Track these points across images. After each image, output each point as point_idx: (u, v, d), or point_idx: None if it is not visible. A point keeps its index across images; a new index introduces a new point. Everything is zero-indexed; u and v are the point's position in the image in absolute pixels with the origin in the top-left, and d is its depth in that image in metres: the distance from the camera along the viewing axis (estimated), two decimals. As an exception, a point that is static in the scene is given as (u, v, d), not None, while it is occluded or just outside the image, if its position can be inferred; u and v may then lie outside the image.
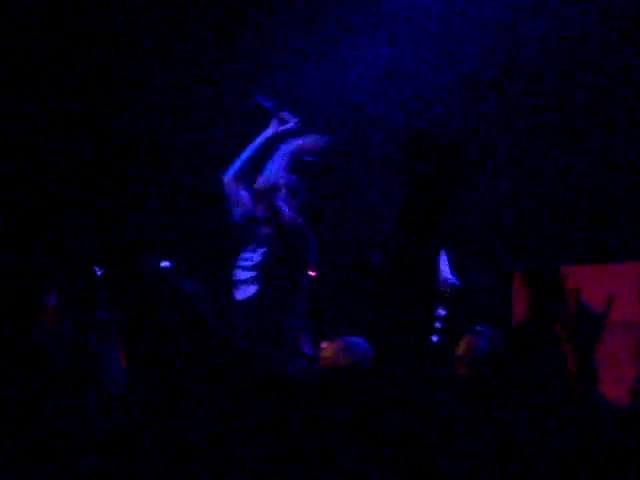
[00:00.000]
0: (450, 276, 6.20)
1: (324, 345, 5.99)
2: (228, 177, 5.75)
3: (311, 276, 5.78)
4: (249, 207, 5.71)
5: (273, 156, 5.70)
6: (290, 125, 5.82)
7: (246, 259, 5.62)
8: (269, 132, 5.81)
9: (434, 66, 7.48)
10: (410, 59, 7.57)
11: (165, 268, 6.00)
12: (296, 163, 5.71)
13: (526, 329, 2.84)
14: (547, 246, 7.47)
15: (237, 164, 5.76)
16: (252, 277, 5.55)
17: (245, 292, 5.55)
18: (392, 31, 7.62)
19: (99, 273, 4.52)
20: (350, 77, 7.63)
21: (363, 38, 7.65)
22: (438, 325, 6.26)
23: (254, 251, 5.60)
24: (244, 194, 5.74)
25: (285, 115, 5.85)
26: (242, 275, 5.60)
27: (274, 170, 5.63)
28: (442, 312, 6.39)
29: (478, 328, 5.63)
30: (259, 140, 5.80)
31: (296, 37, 7.62)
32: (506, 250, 7.56)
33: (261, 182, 5.65)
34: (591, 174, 7.46)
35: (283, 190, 5.63)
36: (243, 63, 7.59)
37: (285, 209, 5.57)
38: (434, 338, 6.18)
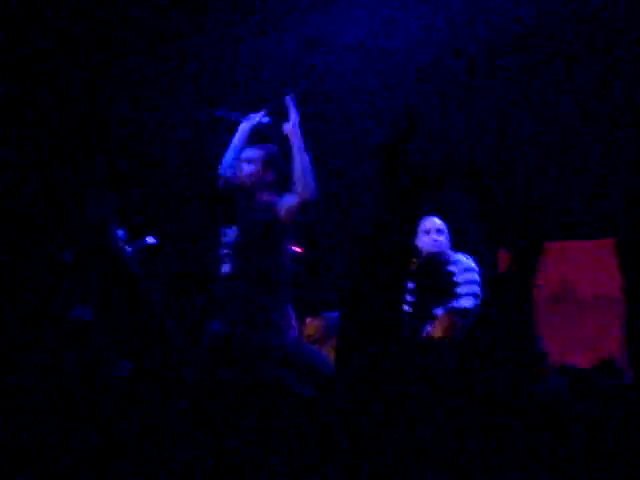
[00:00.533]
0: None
1: (307, 322, 6.02)
2: (222, 171, 5.77)
3: (296, 252, 5.76)
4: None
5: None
6: (261, 121, 5.84)
7: (225, 235, 5.66)
8: (247, 126, 5.82)
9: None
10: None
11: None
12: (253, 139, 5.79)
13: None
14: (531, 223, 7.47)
15: (226, 158, 5.78)
16: (228, 254, 5.58)
17: (224, 269, 5.58)
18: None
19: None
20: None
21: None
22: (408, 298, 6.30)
23: (232, 227, 5.64)
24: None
25: (249, 117, 5.86)
26: (222, 251, 5.64)
27: (229, 152, 5.74)
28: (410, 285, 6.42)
29: (461, 306, 5.66)
30: (239, 135, 5.81)
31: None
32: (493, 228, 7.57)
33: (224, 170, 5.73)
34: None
35: (249, 165, 5.66)
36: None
37: (261, 195, 5.61)
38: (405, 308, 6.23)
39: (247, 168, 5.66)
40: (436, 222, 6.46)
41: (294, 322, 5.52)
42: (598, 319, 6.94)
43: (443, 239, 6.48)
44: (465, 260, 6.43)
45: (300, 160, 5.48)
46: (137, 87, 7.74)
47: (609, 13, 7.24)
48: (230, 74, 7.73)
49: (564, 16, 7.34)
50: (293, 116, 5.62)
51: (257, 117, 5.83)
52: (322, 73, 7.69)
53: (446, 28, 7.47)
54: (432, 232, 6.41)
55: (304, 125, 5.68)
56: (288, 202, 5.48)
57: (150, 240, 7.07)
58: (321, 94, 7.60)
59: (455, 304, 6.15)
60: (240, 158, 5.68)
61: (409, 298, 6.26)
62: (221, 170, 5.75)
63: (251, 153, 5.70)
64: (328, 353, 5.40)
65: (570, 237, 7.31)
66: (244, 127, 5.82)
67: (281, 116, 5.75)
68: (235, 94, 7.40)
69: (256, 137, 5.85)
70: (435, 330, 5.88)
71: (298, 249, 6.26)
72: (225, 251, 5.62)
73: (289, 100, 5.67)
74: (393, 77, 7.54)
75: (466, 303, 6.13)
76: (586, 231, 7.28)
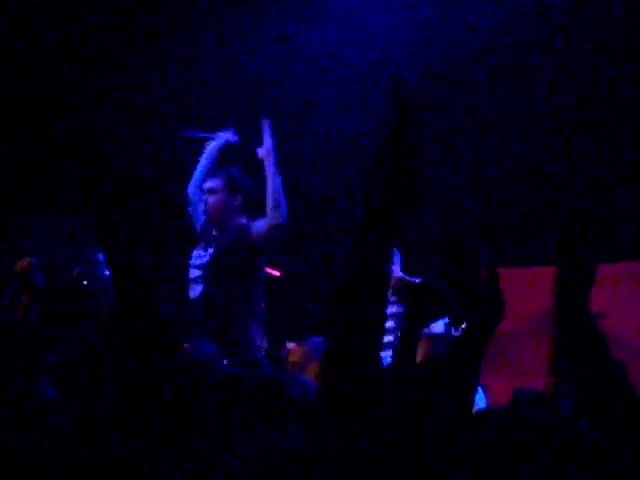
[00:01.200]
0: (400, 274, 6.22)
1: (291, 347, 5.93)
2: (190, 190, 5.85)
3: (274, 275, 5.73)
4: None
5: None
6: (230, 139, 5.86)
7: (197, 257, 5.63)
8: (215, 145, 5.84)
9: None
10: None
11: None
12: (220, 161, 5.81)
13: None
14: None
15: (194, 178, 5.84)
16: (200, 276, 5.56)
17: (195, 291, 5.56)
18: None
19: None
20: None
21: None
22: (393, 324, 6.24)
23: (205, 250, 5.62)
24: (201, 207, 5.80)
25: (218, 136, 5.87)
26: (192, 274, 5.61)
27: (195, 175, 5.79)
28: (396, 309, 6.35)
29: (435, 332, 5.58)
30: (207, 154, 5.84)
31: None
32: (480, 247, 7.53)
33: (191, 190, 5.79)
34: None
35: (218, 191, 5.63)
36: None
37: (231, 219, 5.59)
38: (389, 337, 6.17)
39: (211, 199, 5.64)
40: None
41: (263, 343, 5.49)
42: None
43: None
44: None
45: (272, 184, 5.46)
46: (110, 104, 7.68)
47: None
48: (202, 92, 7.67)
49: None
50: (267, 141, 5.56)
51: (225, 136, 5.84)
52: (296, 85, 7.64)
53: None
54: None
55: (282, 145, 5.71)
56: (258, 226, 5.48)
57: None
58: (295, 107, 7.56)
59: (429, 330, 6.16)
60: (203, 189, 5.69)
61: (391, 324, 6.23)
62: (188, 192, 5.79)
63: (212, 183, 5.68)
64: (310, 377, 5.34)
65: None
66: (212, 147, 5.83)
67: (253, 136, 5.74)
68: (204, 112, 7.37)
69: (224, 156, 5.84)
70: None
71: (276, 272, 6.19)
72: (196, 274, 5.58)
73: (264, 124, 5.61)
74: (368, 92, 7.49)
75: (438, 329, 6.14)
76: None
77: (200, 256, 5.60)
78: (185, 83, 7.68)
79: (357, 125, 7.39)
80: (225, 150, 5.84)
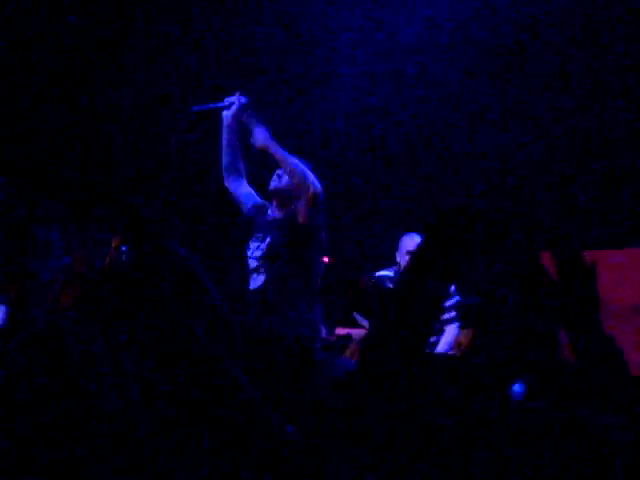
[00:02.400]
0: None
1: (341, 333, 6.08)
2: (225, 177, 5.72)
3: (325, 262, 5.76)
4: (253, 198, 5.71)
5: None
6: (240, 102, 5.62)
7: (256, 248, 5.57)
8: (226, 120, 5.64)
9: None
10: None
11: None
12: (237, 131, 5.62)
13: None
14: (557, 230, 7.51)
15: (222, 162, 5.70)
16: (261, 266, 5.51)
17: (255, 281, 5.51)
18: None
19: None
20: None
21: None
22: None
23: (263, 240, 5.56)
24: (244, 187, 5.72)
25: (227, 101, 5.65)
26: (252, 264, 5.56)
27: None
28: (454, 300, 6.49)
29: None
30: (224, 132, 5.65)
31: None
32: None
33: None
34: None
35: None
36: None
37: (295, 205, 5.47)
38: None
39: (277, 183, 5.53)
40: (416, 242, 6.58)
41: (324, 329, 5.59)
42: (624, 327, 6.99)
43: None
44: None
45: (288, 164, 5.38)
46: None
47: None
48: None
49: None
50: (258, 130, 5.47)
51: (234, 100, 5.62)
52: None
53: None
54: None
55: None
56: (299, 206, 5.38)
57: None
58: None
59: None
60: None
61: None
62: (224, 173, 5.64)
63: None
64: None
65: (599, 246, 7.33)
66: (227, 120, 5.62)
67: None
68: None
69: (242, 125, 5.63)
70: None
71: (325, 258, 6.27)
72: (255, 264, 5.56)
73: (247, 116, 5.53)
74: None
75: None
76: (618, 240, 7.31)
77: (258, 247, 5.54)
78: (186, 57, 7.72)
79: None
80: (240, 115, 5.60)
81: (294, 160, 5.39)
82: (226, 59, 7.76)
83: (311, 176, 5.37)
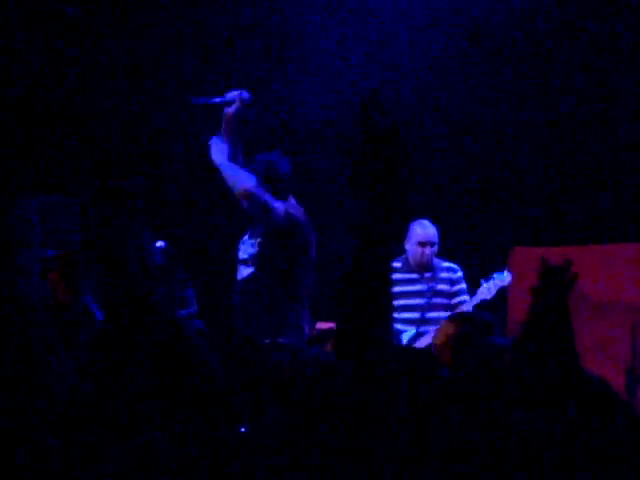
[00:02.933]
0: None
1: (321, 328, 6.05)
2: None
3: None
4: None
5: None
6: (240, 97, 5.52)
7: (250, 245, 5.61)
8: (226, 117, 5.55)
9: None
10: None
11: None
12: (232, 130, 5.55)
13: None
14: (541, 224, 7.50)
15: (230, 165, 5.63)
16: (249, 259, 5.55)
17: (243, 272, 5.56)
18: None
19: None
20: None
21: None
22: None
23: (256, 238, 5.57)
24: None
25: (229, 97, 5.53)
26: (243, 256, 5.61)
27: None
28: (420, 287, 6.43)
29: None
30: (223, 128, 5.58)
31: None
32: (500, 227, 7.61)
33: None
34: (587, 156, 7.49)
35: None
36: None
37: (274, 203, 5.46)
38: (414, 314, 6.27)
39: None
40: (430, 233, 6.50)
41: (307, 325, 5.54)
42: (607, 323, 6.96)
43: (434, 251, 6.50)
44: (455, 268, 6.55)
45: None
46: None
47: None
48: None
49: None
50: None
51: (236, 96, 5.51)
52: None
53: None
54: (427, 246, 6.47)
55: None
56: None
57: (160, 244, 7.10)
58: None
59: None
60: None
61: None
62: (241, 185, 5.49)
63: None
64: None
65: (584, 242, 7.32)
66: (227, 117, 5.53)
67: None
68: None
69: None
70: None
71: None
72: (245, 256, 5.59)
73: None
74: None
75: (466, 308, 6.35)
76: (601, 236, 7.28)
77: (251, 244, 5.58)
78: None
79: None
80: (242, 112, 5.54)
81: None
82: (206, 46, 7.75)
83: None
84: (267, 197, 5.41)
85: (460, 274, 6.56)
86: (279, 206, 5.42)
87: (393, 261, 6.35)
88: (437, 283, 6.46)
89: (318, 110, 7.60)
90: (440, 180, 7.80)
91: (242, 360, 3.05)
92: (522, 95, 7.65)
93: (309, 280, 5.49)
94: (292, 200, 5.59)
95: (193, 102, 5.59)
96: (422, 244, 6.47)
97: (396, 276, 6.38)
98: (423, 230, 6.51)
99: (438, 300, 6.42)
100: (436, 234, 6.50)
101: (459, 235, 7.34)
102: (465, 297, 6.49)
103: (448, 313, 6.07)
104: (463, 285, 6.55)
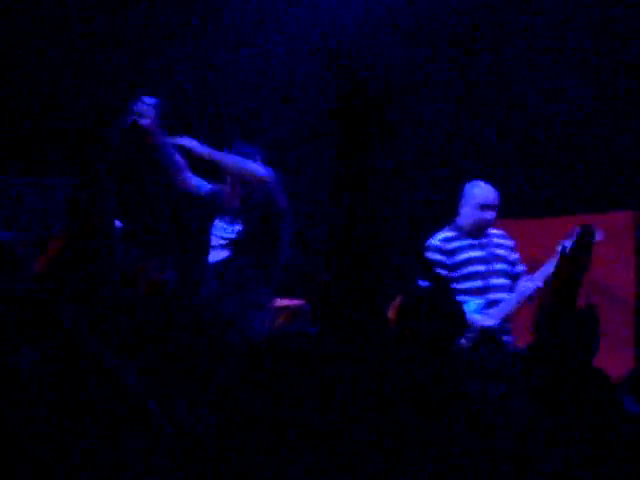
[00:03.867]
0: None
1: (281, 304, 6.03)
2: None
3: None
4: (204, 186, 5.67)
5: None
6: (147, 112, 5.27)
7: (223, 229, 5.62)
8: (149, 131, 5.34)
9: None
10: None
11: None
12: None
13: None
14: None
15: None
16: (225, 244, 5.56)
17: (216, 256, 5.56)
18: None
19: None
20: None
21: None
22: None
23: (231, 223, 5.59)
24: (191, 180, 5.71)
25: (138, 109, 5.25)
26: (217, 242, 5.61)
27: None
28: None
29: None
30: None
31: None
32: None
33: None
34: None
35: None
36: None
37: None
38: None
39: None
40: (493, 196, 6.06)
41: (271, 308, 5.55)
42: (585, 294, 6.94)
43: (494, 215, 6.08)
44: (506, 234, 6.19)
45: (224, 160, 5.45)
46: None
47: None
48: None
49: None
50: (181, 140, 5.41)
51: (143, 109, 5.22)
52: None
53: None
54: (489, 210, 6.04)
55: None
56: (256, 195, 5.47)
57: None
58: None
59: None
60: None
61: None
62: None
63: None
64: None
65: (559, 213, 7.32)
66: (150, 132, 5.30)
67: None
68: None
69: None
70: None
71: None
72: (221, 242, 5.59)
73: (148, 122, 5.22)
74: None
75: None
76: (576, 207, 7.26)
77: (224, 229, 5.59)
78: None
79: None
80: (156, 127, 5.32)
81: (222, 154, 5.43)
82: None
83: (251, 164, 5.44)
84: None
85: (513, 242, 6.19)
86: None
87: (442, 231, 6.10)
88: (495, 248, 6.07)
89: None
90: (420, 152, 7.67)
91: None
92: (504, 62, 7.56)
93: (283, 260, 5.54)
94: None
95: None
96: (484, 207, 6.01)
97: (452, 245, 6.02)
98: (484, 192, 6.05)
99: (499, 266, 6.02)
100: (498, 196, 6.06)
101: (443, 208, 7.19)
102: (522, 267, 6.08)
103: (509, 281, 5.95)
104: (518, 254, 6.15)
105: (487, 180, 6.31)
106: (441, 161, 7.52)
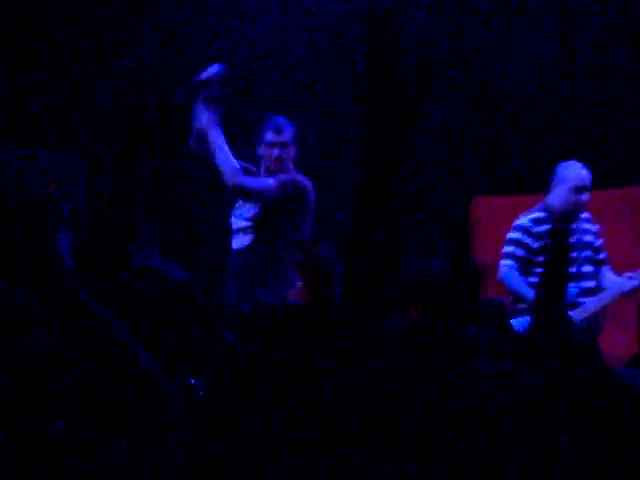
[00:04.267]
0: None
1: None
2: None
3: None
4: None
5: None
6: (218, 71, 5.43)
7: (243, 207, 5.61)
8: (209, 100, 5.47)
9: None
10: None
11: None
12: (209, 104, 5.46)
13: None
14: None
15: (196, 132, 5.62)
16: (248, 227, 5.55)
17: (240, 242, 5.55)
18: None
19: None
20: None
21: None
22: None
23: (251, 205, 5.58)
24: None
25: (207, 75, 5.42)
26: (239, 224, 5.60)
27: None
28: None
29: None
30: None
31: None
32: (463, 178, 7.54)
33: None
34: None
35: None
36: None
37: (262, 184, 5.50)
38: None
39: (281, 152, 5.49)
40: (587, 177, 5.82)
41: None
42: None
43: (589, 196, 5.83)
44: (592, 218, 6.01)
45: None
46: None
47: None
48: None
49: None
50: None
51: (211, 72, 5.40)
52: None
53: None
54: (583, 192, 5.81)
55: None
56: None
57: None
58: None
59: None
60: (270, 141, 5.50)
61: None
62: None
63: (283, 136, 5.52)
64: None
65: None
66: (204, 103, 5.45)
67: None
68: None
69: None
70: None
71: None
72: (242, 224, 5.57)
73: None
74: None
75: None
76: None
77: (247, 207, 5.58)
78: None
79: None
80: (218, 87, 5.44)
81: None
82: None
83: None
84: (252, 182, 5.49)
85: (598, 226, 6.01)
86: (269, 183, 5.47)
87: (531, 211, 5.95)
88: (583, 235, 5.87)
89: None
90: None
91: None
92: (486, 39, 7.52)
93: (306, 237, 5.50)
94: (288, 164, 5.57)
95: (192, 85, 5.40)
96: (579, 189, 5.78)
97: (542, 227, 5.81)
98: (578, 173, 5.80)
99: (586, 253, 5.86)
100: (591, 176, 5.80)
101: (418, 186, 7.20)
102: (605, 253, 5.92)
103: (594, 269, 5.83)
104: (602, 240, 5.98)
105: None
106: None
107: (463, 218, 7.17)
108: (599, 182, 6.03)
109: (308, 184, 5.50)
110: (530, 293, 5.58)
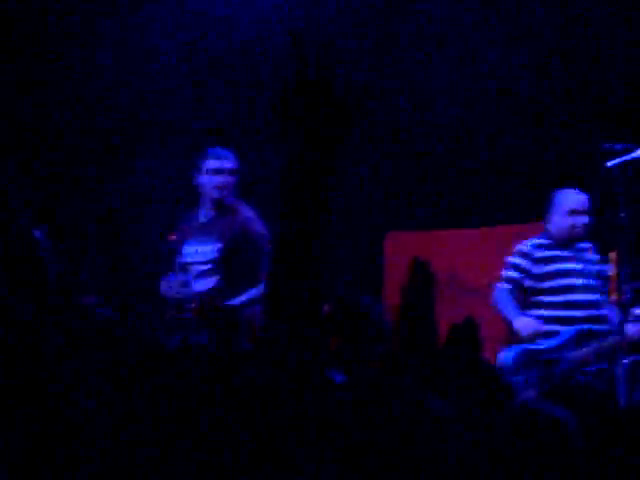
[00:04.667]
0: None
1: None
2: None
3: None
4: None
5: None
6: None
7: (198, 253, 5.64)
8: None
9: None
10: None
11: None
12: None
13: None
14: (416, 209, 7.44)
15: None
16: (210, 269, 5.60)
17: (204, 284, 5.58)
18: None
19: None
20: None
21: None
22: None
23: (206, 243, 5.61)
24: None
25: None
26: (200, 268, 5.63)
27: None
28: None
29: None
30: None
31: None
32: (376, 213, 7.53)
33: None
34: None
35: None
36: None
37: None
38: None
39: (224, 179, 5.59)
40: (583, 200, 5.91)
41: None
42: (482, 305, 6.97)
43: (587, 219, 5.90)
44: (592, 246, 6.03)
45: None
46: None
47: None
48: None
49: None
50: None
51: None
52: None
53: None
54: (580, 214, 5.90)
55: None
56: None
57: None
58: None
59: None
60: (212, 168, 5.53)
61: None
62: None
63: (228, 163, 5.59)
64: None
65: (457, 225, 7.33)
66: None
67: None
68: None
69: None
70: None
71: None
72: (204, 268, 5.61)
73: None
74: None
75: None
76: (474, 219, 7.28)
77: (204, 252, 5.62)
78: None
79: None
80: None
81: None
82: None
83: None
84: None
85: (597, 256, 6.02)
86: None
87: (535, 237, 5.99)
88: (588, 263, 5.93)
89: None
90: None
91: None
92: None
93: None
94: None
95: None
96: (574, 212, 5.86)
97: (543, 253, 5.92)
98: (573, 196, 5.91)
99: (592, 282, 5.90)
100: (587, 200, 5.88)
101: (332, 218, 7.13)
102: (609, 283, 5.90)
103: (600, 297, 5.86)
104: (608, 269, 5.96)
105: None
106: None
107: (376, 252, 7.16)
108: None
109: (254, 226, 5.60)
110: (515, 317, 5.72)
